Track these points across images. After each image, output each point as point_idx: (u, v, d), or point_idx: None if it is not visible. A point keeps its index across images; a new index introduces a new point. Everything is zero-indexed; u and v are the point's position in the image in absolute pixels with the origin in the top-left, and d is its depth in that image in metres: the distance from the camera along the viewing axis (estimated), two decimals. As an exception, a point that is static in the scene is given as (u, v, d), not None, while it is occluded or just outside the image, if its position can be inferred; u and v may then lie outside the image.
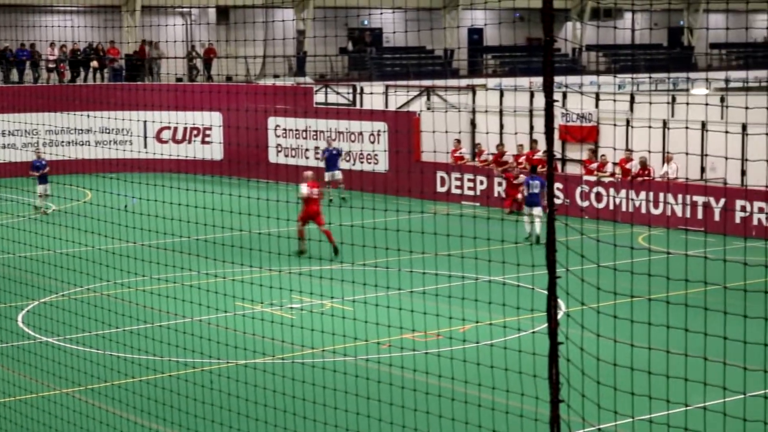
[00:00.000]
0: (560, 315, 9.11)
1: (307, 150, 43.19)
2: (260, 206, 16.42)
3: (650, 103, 33.46)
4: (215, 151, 43.70)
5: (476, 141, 39.79)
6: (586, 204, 34.24)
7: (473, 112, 40.68)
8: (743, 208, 30.52)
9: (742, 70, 63.02)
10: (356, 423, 13.18)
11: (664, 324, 10.28)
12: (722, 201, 31.11)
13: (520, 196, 33.04)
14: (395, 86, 44.44)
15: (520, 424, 12.54)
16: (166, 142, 46.49)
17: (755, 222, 30.74)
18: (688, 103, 32.21)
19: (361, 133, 41.44)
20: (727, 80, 54.31)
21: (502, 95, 40.21)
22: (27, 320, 21.75)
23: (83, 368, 16.59)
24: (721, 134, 25.27)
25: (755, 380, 11.57)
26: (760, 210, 30.79)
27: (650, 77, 55.86)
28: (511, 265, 12.90)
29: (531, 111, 38.36)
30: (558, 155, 37.12)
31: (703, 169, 33.38)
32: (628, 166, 34.08)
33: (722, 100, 32.57)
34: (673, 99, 34.11)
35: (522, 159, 37.26)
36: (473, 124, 40.60)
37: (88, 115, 39.47)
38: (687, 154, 28.90)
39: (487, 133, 38.46)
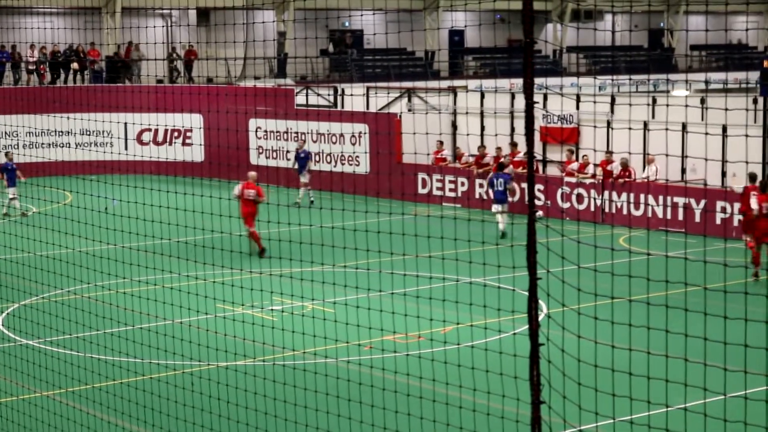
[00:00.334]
0: (541, 316, 9.13)
1: (288, 152, 43.15)
2: (241, 208, 16.40)
3: (630, 104, 33.56)
4: (196, 153, 43.61)
5: (457, 144, 39.83)
6: (567, 205, 34.31)
7: (454, 113, 40.72)
8: (723, 210, 30.62)
9: (721, 72, 63.24)
10: (337, 425, 13.18)
11: (645, 325, 10.31)
12: (703, 202, 31.20)
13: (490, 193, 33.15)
14: (376, 88, 44.46)
15: (501, 426, 12.55)
16: (146, 143, 46.40)
17: (735, 223, 30.83)
18: (668, 105, 32.32)
19: (342, 135, 41.43)
20: (707, 82, 54.49)
21: (482, 97, 40.26)
22: (7, 323, 21.68)
23: (63, 371, 16.54)
24: (701, 135, 25.36)
25: (735, 381, 11.60)
26: (740, 211, 30.89)
27: (630, 79, 56.01)
28: (492, 266, 12.91)
29: (512, 112, 38.42)
30: (538, 157, 37.17)
31: (683, 171, 33.48)
32: (608, 167, 34.15)
33: (702, 101, 32.68)
34: (654, 100, 34.21)
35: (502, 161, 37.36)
36: (454, 125, 40.64)
37: (68, 117, 39.39)
38: (667, 155, 28.99)
39: (467, 134, 38.50)
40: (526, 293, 8.55)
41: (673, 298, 11.24)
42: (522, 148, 36.86)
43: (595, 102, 34.91)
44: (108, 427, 15.36)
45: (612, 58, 66.53)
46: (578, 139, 36.80)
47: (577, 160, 35.72)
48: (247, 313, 20.58)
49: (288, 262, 15.33)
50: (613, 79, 56.53)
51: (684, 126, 30.84)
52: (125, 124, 44.56)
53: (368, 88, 44.30)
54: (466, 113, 39.53)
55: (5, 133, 44.64)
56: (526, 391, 8.82)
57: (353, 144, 41.20)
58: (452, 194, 37.69)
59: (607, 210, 33.80)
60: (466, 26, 63.15)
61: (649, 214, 32.61)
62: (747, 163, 27.47)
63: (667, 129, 29.77)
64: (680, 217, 31.48)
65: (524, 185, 35.31)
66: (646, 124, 33.07)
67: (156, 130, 46.13)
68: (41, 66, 49.50)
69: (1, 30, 48.58)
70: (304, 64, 57.97)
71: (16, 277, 20.43)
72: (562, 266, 9.94)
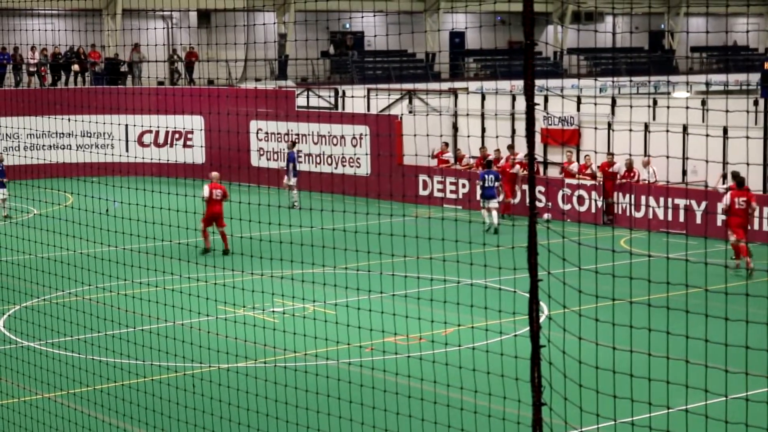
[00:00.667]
0: (542, 318, 9.13)
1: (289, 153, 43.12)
2: (242, 210, 16.41)
3: (631, 106, 33.58)
4: (197, 155, 43.64)
5: (458, 146, 39.83)
6: (568, 207, 34.31)
7: (455, 115, 40.72)
8: (724, 211, 30.58)
9: (722, 74, 63.24)
10: (338, 426, 13.17)
11: (646, 327, 10.31)
12: (704, 204, 31.19)
13: (479, 191, 33.66)
14: (377, 90, 44.45)
15: (502, 428, 12.56)
16: (147, 145, 46.42)
17: (736, 225, 30.81)
18: (669, 107, 32.34)
19: (343, 137, 41.44)
20: (707, 83, 54.49)
21: (483, 98, 40.26)
22: (8, 325, 21.69)
23: (64, 372, 16.55)
24: (702, 137, 25.38)
25: (737, 382, 11.60)
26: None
27: (631, 80, 55.99)
28: (493, 268, 12.91)
29: (513, 114, 38.42)
30: (539, 158, 37.17)
31: (684, 172, 33.47)
32: (610, 170, 34.14)
33: (703, 103, 32.68)
34: (655, 102, 34.21)
35: (502, 163, 37.45)
36: (455, 127, 40.64)
37: (69, 119, 39.38)
38: (668, 157, 29.00)
39: (468, 136, 38.50)
40: (527, 295, 8.55)
41: (675, 300, 11.24)
42: (521, 150, 36.89)
43: (595, 104, 34.92)
44: (109, 429, 15.36)
45: (613, 59, 66.53)
46: (579, 140, 36.78)
47: (577, 161, 35.72)
48: (248, 315, 20.60)
49: (289, 263, 15.31)
50: (613, 81, 56.52)
51: (685, 128, 30.85)
52: (126, 125, 44.61)
53: (369, 90, 44.31)
54: (467, 115, 39.53)
55: (6, 135, 44.65)
56: (527, 392, 8.82)
57: (354, 146, 41.21)
58: (453, 196, 37.69)
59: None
60: (466, 28, 63.19)
61: (650, 216, 32.60)
62: (748, 165, 27.49)
63: (667, 131, 29.80)
64: (681, 218, 31.47)
65: (525, 187, 35.38)
66: (646, 126, 33.06)
67: (157, 132, 46.15)
68: (42, 68, 49.53)
69: (2, 32, 48.57)
70: (305, 66, 57.99)
71: (16, 279, 20.42)
72: (563, 268, 9.94)
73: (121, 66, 50.86)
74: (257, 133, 44.11)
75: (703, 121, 31.12)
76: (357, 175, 40.41)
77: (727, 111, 25.97)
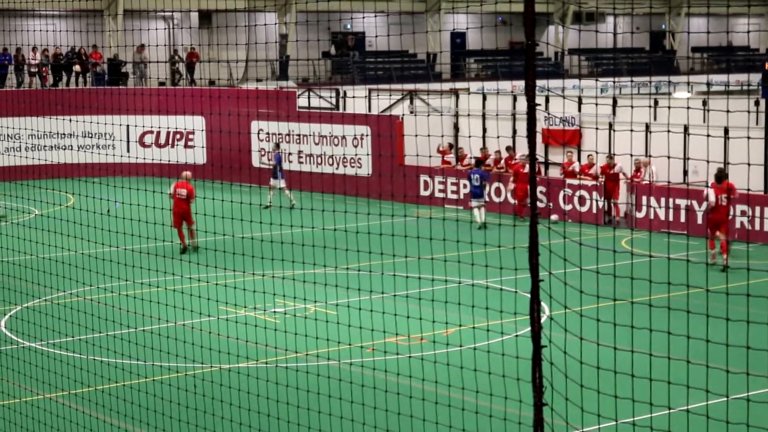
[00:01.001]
0: (543, 318, 9.13)
1: (290, 154, 43.12)
2: (243, 210, 16.42)
3: (632, 106, 33.55)
4: (198, 155, 43.65)
5: (459, 145, 39.84)
6: (569, 207, 34.31)
7: (456, 115, 40.71)
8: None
9: (723, 74, 63.21)
10: (340, 427, 13.19)
11: (647, 327, 10.31)
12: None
13: (467, 189, 34.42)
14: (378, 90, 44.44)
15: (503, 428, 12.56)
16: (149, 146, 46.42)
17: (737, 225, 30.83)
18: (670, 107, 32.30)
19: (344, 137, 41.45)
20: (708, 84, 54.49)
21: (484, 99, 40.27)
22: (10, 325, 21.70)
23: (66, 373, 16.56)
24: (703, 138, 25.36)
25: (738, 383, 11.61)
26: (742, 213, 30.90)
27: (632, 81, 55.96)
28: (494, 268, 12.91)
29: (514, 115, 38.41)
30: (540, 159, 37.16)
31: (685, 173, 33.46)
32: (610, 172, 34.12)
33: (704, 103, 32.67)
34: (656, 102, 34.20)
35: (501, 164, 37.58)
36: (456, 127, 40.64)
37: (71, 120, 39.40)
38: (669, 157, 29.00)
39: (469, 136, 38.50)
40: (528, 295, 8.55)
41: (676, 300, 11.25)
42: (521, 151, 36.91)
43: (597, 104, 34.90)
44: (111, 429, 15.37)
45: (613, 60, 66.54)
46: (580, 141, 36.77)
47: (578, 161, 35.72)
48: (250, 315, 20.61)
49: (290, 264, 15.32)
50: (614, 81, 56.48)
51: (686, 128, 30.84)
52: (127, 126, 44.63)
53: (370, 91, 44.31)
54: (468, 115, 39.52)
55: (8, 135, 44.66)
56: (529, 393, 8.83)
57: (355, 146, 41.21)
58: (454, 196, 37.69)
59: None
60: (467, 28, 63.20)
61: (651, 216, 32.59)
62: (749, 165, 27.47)
63: (668, 131, 29.78)
64: (682, 219, 31.47)
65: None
66: (647, 126, 33.05)
67: (158, 133, 46.16)
68: (43, 68, 49.55)
69: (3, 33, 48.57)
70: (306, 67, 58.00)
71: (18, 279, 20.43)
72: (564, 268, 9.94)
73: (123, 66, 50.88)
74: (258, 133, 44.11)
75: (704, 121, 31.11)
76: (358, 175, 40.41)
77: (728, 111, 25.99)
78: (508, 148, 37.55)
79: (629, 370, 10.11)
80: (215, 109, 41.27)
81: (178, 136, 46.34)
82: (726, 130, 30.97)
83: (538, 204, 8.97)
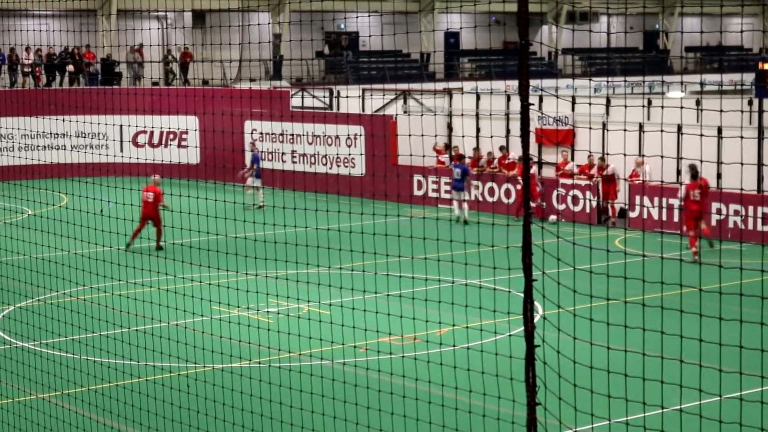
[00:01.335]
0: (536, 318, 9.13)
1: (283, 154, 43.13)
2: (237, 210, 16.40)
3: (626, 106, 33.56)
4: (191, 155, 43.61)
5: (453, 144, 39.83)
6: (562, 207, 34.32)
7: (450, 115, 40.71)
8: (719, 211, 30.63)
9: (717, 73, 63.28)
10: (333, 426, 13.18)
11: (640, 326, 10.31)
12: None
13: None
14: (372, 90, 44.44)
15: (497, 427, 12.56)
16: (142, 146, 46.39)
17: (730, 224, 30.86)
18: (663, 107, 32.31)
19: (337, 137, 41.44)
20: (702, 83, 54.52)
21: (478, 99, 40.27)
22: (3, 325, 21.67)
23: (60, 373, 16.53)
24: (697, 137, 25.39)
25: (731, 382, 11.61)
26: (735, 213, 30.92)
27: (626, 80, 56.00)
28: (488, 268, 12.90)
29: (507, 114, 38.42)
30: (534, 158, 37.18)
31: (678, 172, 33.48)
32: (603, 173, 34.13)
33: (697, 103, 32.68)
34: (649, 102, 34.21)
35: (495, 164, 37.61)
36: (450, 127, 40.64)
37: (64, 119, 39.35)
38: (662, 156, 29.01)
39: (463, 136, 38.49)
40: (522, 295, 8.55)
41: (669, 300, 11.24)
42: (514, 150, 36.92)
43: (590, 104, 34.90)
44: (104, 429, 15.35)
45: (607, 59, 66.57)
46: (573, 140, 36.80)
47: (573, 161, 35.73)
48: (243, 315, 20.58)
49: (283, 264, 15.31)
50: (608, 81, 56.47)
51: (679, 128, 30.85)
52: (120, 126, 44.57)
53: (364, 90, 44.29)
54: (462, 115, 39.52)
55: (1, 135, 44.61)
56: (522, 392, 8.82)
57: (349, 146, 41.20)
58: (448, 196, 37.67)
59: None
60: (461, 28, 63.22)
61: (645, 216, 32.60)
62: (742, 164, 27.48)
63: (662, 130, 29.79)
64: (675, 218, 31.48)
65: (519, 187, 35.40)
66: (641, 126, 33.05)
67: (151, 132, 46.12)
68: (37, 68, 49.49)
69: (-4, 32, 48.51)
70: (300, 66, 57.99)
71: (11, 279, 20.41)
72: (557, 268, 9.94)
73: (116, 66, 50.83)
74: (252, 133, 44.07)
75: (697, 120, 31.14)
76: (351, 175, 40.38)
77: (721, 111, 25.90)
78: (501, 148, 37.56)
79: (622, 369, 10.11)
80: (209, 108, 41.24)
81: (171, 136, 46.31)
82: (719, 130, 30.99)
83: (539, 205, 8.98)
